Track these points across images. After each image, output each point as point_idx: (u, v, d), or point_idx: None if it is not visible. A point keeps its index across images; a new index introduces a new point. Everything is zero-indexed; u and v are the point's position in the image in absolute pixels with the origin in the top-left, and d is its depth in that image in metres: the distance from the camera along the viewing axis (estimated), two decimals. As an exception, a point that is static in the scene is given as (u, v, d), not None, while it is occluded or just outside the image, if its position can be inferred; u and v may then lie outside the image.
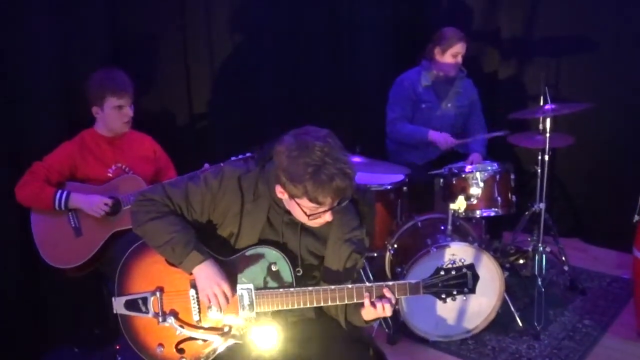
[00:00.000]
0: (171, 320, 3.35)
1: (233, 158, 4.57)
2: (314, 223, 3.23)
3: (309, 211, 3.14)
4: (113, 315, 3.79)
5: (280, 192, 3.18)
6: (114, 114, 4.57)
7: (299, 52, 6.49)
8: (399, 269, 5.11)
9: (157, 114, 5.32)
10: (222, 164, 4.40)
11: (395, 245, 5.38)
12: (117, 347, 4.34)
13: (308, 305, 3.29)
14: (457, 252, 4.87)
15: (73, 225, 4.47)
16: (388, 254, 5.38)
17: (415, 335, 5.15)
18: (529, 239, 6.05)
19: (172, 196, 3.31)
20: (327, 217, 3.18)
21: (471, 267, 3.34)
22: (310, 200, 3.06)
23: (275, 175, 3.14)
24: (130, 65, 4.91)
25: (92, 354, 4.43)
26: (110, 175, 4.64)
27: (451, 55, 6.03)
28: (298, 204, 3.13)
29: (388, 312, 3.25)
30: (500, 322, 5.31)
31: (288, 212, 3.30)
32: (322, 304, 3.30)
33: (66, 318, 4.88)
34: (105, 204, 4.45)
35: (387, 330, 5.22)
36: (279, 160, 3.08)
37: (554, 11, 6.84)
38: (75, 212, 4.47)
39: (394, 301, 3.27)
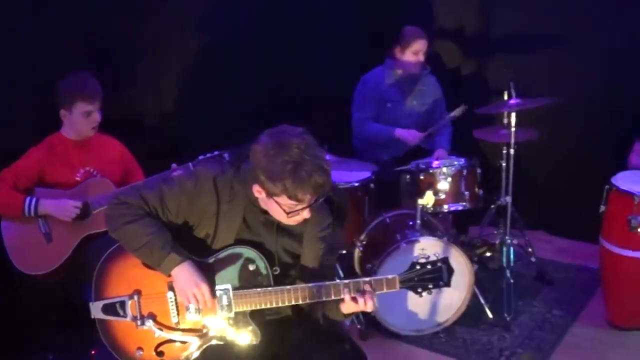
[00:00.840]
0: (150, 323, 3.36)
1: (201, 157, 4.59)
2: (292, 221, 3.26)
3: (288, 209, 3.17)
4: (87, 321, 3.79)
5: (257, 192, 3.20)
6: (82, 119, 4.59)
7: (266, 52, 6.52)
8: (369, 265, 5.13)
9: (128, 115, 5.33)
10: (190, 164, 4.45)
11: (364, 242, 5.43)
12: (93, 353, 4.33)
13: (286, 304, 3.32)
14: (427, 247, 4.94)
15: (43, 231, 4.47)
16: (357, 250, 5.43)
17: (387, 331, 5.21)
18: (496, 232, 6.13)
19: (147, 199, 3.31)
20: (306, 214, 3.22)
21: (445, 260, 3.39)
22: (290, 197, 3.09)
23: (252, 175, 3.17)
24: (102, 66, 4.96)
25: None
26: (78, 179, 4.65)
27: (411, 53, 6.08)
28: (277, 202, 3.16)
29: (370, 307, 3.28)
30: (470, 314, 5.38)
31: (264, 212, 3.33)
32: (300, 302, 3.32)
33: (40, 324, 4.86)
34: (75, 208, 4.45)
35: (358, 326, 5.25)
36: (257, 159, 3.11)
37: (516, 8, 6.93)
38: (45, 218, 4.48)
39: (374, 297, 3.30)
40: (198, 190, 3.30)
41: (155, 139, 5.68)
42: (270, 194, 3.15)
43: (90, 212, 4.52)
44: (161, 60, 5.72)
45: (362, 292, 3.27)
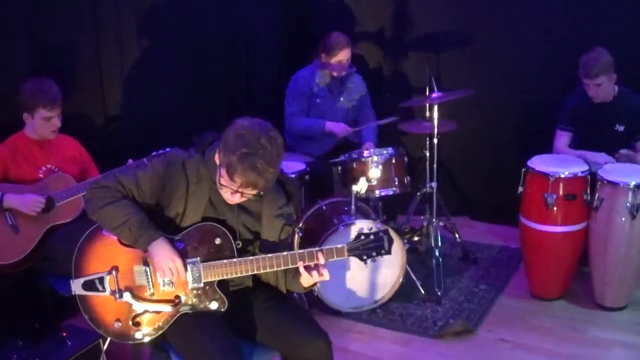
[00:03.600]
0: (127, 296, 3.66)
1: (154, 153, 4.92)
2: (225, 196, 3.65)
3: (224, 182, 3.55)
4: (50, 310, 4.02)
5: (217, 159, 3.58)
6: (43, 123, 4.89)
7: (199, 55, 6.82)
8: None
9: (74, 116, 5.52)
10: (144, 159, 4.80)
11: (303, 228, 5.76)
12: (65, 334, 4.52)
13: (249, 273, 3.68)
14: (363, 228, 5.29)
15: (10, 223, 4.72)
16: (297, 236, 5.71)
17: (329, 308, 5.57)
18: (422, 218, 6.54)
19: (124, 182, 3.64)
20: (229, 196, 3.62)
21: (386, 231, 3.77)
22: (227, 172, 3.47)
23: (219, 144, 3.55)
24: (49, 71, 5.19)
25: (37, 345, 4.49)
26: (41, 175, 4.93)
27: (335, 61, 6.45)
28: (220, 172, 3.56)
29: (326, 276, 3.69)
30: (404, 291, 5.77)
31: None
32: (261, 271, 3.69)
33: (8, 312, 4.96)
34: (40, 203, 4.73)
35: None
36: (230, 130, 3.50)
37: (433, 9, 7.37)
38: (11, 211, 4.72)
39: (325, 267, 3.69)
40: (169, 172, 3.66)
41: (99, 139, 5.90)
42: (218, 164, 3.55)
43: (53, 205, 4.82)
44: (104, 66, 5.94)
45: (316, 266, 3.67)
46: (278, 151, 3.51)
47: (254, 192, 3.56)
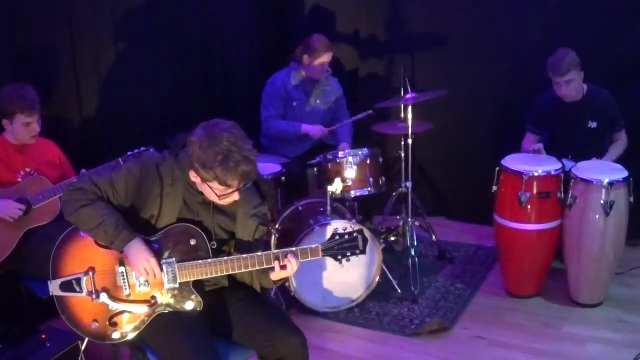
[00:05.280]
0: (104, 296, 3.68)
1: (129, 153, 4.95)
2: (224, 202, 3.69)
3: (219, 192, 3.61)
4: (29, 313, 4.03)
5: (194, 177, 3.63)
6: (22, 129, 4.91)
7: (175, 57, 6.85)
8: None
9: (51, 119, 5.50)
10: (120, 159, 4.83)
11: (280, 229, 5.80)
12: (44, 337, 4.53)
13: (225, 274, 3.72)
14: (338, 229, 5.33)
15: None
16: (274, 237, 5.76)
17: (307, 309, 5.60)
18: (398, 218, 6.59)
19: (99, 185, 3.68)
20: (236, 196, 3.66)
21: (361, 232, 3.83)
22: (221, 183, 3.55)
23: (189, 162, 3.60)
24: (26, 74, 5.24)
25: (17, 348, 4.45)
26: (19, 180, 4.94)
27: (318, 63, 6.49)
28: (210, 187, 3.60)
29: (295, 268, 3.74)
30: (381, 291, 5.84)
31: (202, 194, 3.74)
32: (236, 271, 3.73)
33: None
34: (19, 209, 4.74)
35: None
36: (192, 150, 3.55)
37: (408, 10, 7.42)
38: None
39: (298, 263, 3.75)
40: (144, 175, 3.70)
41: (76, 141, 5.91)
42: (204, 180, 3.59)
43: (31, 208, 4.82)
44: (80, 69, 5.94)
45: (288, 261, 3.72)
46: (239, 133, 3.58)
47: (253, 178, 3.66)
